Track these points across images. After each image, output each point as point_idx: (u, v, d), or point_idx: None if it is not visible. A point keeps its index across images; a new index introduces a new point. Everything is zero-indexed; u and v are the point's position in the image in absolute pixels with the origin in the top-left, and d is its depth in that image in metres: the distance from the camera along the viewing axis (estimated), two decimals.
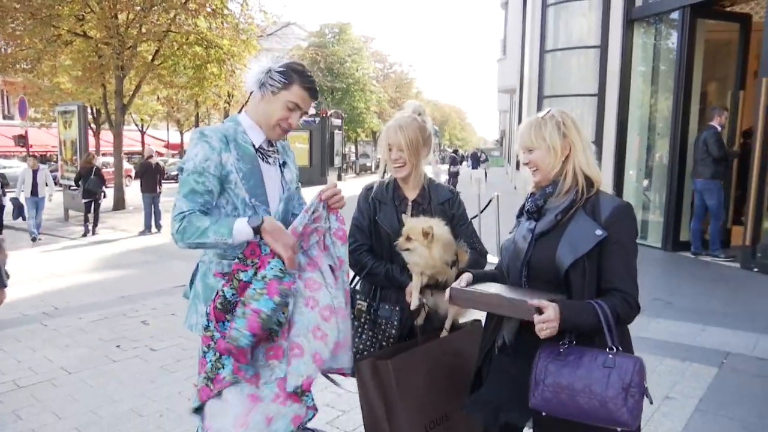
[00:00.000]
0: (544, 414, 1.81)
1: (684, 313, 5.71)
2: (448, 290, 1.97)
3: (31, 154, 12.79)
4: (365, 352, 2.44)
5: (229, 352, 1.99)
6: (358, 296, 2.52)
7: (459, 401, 2.25)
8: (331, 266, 2.20)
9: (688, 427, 3.50)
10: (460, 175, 22.86)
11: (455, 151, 26.60)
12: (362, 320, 2.48)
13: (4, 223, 11.38)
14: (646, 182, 10.24)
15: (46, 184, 12.28)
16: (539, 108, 11.36)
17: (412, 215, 2.50)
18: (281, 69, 2.14)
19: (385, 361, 2.22)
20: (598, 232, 1.84)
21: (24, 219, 12.32)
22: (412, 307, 2.37)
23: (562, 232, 1.90)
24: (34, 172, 12.00)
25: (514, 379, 1.98)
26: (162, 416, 3.74)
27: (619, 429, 1.73)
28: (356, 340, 2.46)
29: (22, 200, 12.29)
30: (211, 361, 2.05)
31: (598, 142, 10.36)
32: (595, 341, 1.81)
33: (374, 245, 2.51)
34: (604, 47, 10.24)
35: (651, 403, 1.80)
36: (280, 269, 1.99)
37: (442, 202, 2.54)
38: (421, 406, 2.28)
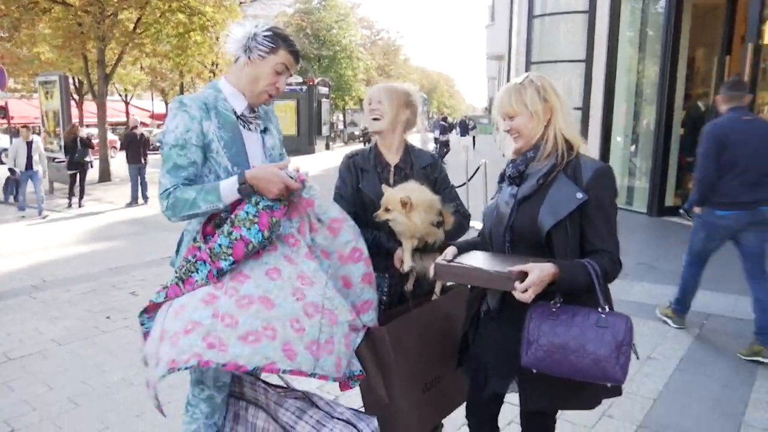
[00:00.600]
0: (534, 371, 1.85)
1: (667, 277, 5.80)
2: (432, 265, 1.99)
3: (24, 125, 12.33)
4: None
5: (207, 261, 1.99)
6: None
7: (450, 364, 2.31)
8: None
9: (668, 386, 3.61)
10: (450, 143, 22.30)
11: (444, 119, 26.05)
12: None
13: None
14: (632, 148, 10.30)
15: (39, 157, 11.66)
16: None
17: (394, 180, 2.51)
18: (267, 33, 2.11)
19: (380, 328, 2.25)
20: (579, 195, 1.86)
21: (15, 197, 12.01)
22: (405, 270, 2.39)
23: (544, 196, 1.92)
24: (28, 144, 11.22)
25: (499, 344, 2.03)
26: None
27: (609, 384, 1.79)
28: None
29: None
30: (186, 265, 2.03)
31: (586, 108, 10.38)
32: (582, 300, 1.84)
33: (359, 213, 2.51)
34: (592, 12, 10.18)
35: (638, 358, 1.85)
36: (271, 199, 1.98)
37: (424, 167, 2.55)
38: (416, 370, 2.32)
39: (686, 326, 4.53)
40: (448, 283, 2.55)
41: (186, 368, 1.82)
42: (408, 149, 2.58)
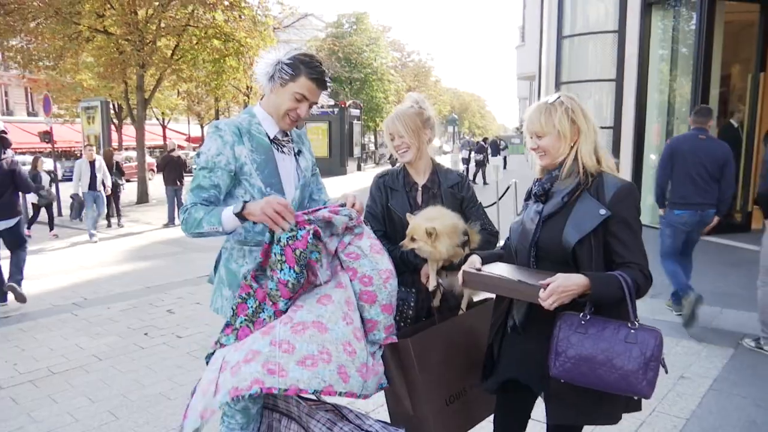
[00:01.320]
0: (561, 382, 1.89)
1: (703, 296, 5.72)
2: (460, 274, 2.05)
3: (88, 145, 12.52)
4: None
5: (268, 303, 2.10)
6: None
7: (475, 377, 2.35)
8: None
9: (702, 406, 3.56)
10: (486, 164, 21.27)
11: (485, 139, 25.47)
12: None
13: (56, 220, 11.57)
14: None
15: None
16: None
17: (422, 199, 2.59)
18: (289, 61, 2.20)
19: (405, 340, 2.31)
20: (602, 211, 1.91)
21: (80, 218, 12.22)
22: (430, 288, 2.46)
23: (569, 214, 1.97)
24: (91, 164, 11.07)
25: (525, 359, 2.07)
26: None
27: (635, 397, 1.82)
28: None
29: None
30: (252, 306, 2.12)
31: (617, 127, 10.32)
32: (612, 313, 1.87)
33: (388, 230, 2.60)
34: (621, 32, 10.17)
35: (666, 372, 1.86)
36: (290, 231, 2.03)
37: (451, 186, 2.63)
38: (440, 382, 2.37)
39: (689, 315, 4.73)
40: (474, 299, 2.60)
41: (249, 395, 1.88)
42: (435, 169, 2.67)
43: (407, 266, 2.53)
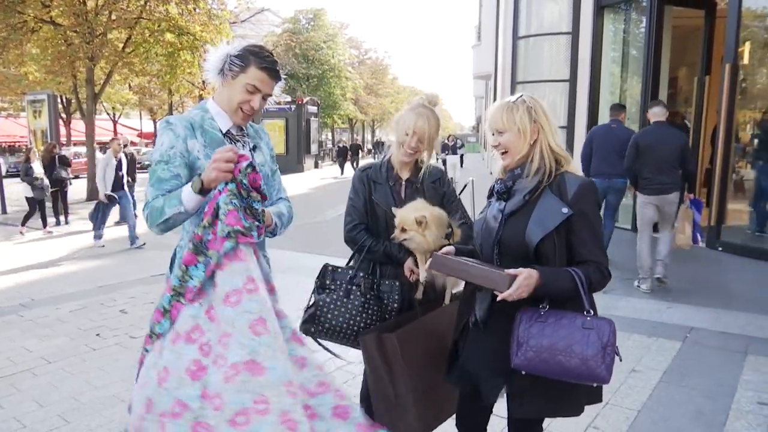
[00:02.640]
0: (524, 373, 1.93)
1: (651, 292, 5.91)
2: (430, 258, 2.10)
3: (114, 138, 11.35)
4: (371, 326, 2.55)
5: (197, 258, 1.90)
6: (361, 273, 2.60)
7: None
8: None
9: (653, 397, 3.68)
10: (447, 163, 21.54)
11: (454, 137, 25.72)
12: (368, 296, 2.58)
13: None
14: None
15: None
16: (513, 94, 11.51)
17: (406, 194, 2.63)
18: (238, 53, 2.16)
19: (390, 335, 2.34)
20: (564, 210, 1.96)
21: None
22: (421, 280, 2.51)
23: (531, 211, 2.01)
24: (119, 161, 9.91)
25: (487, 354, 2.10)
26: None
27: (595, 384, 1.89)
28: (363, 315, 2.56)
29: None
30: (177, 276, 1.94)
31: (570, 126, 10.55)
32: (568, 307, 1.94)
33: (370, 224, 2.62)
34: (575, 34, 10.40)
35: (620, 360, 1.93)
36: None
37: (433, 181, 2.67)
38: (423, 373, 2.41)
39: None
40: (454, 290, 2.64)
41: None
42: (417, 164, 2.69)
43: (391, 260, 2.56)
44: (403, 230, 2.41)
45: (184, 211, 2.02)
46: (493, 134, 2.12)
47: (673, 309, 5.39)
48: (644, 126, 9.07)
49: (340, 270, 2.63)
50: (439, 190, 2.67)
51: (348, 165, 27.41)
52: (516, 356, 1.91)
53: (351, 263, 2.68)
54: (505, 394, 2.11)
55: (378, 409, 2.49)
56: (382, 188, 2.63)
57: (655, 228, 6.36)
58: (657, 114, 6.20)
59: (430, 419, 2.50)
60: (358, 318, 2.55)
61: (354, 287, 2.57)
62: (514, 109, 2.05)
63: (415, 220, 2.38)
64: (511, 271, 1.86)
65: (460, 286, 2.65)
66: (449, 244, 2.30)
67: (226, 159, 1.92)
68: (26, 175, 11.16)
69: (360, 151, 29.31)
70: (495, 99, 19.74)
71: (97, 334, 5.13)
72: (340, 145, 29.95)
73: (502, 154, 2.10)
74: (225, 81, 2.19)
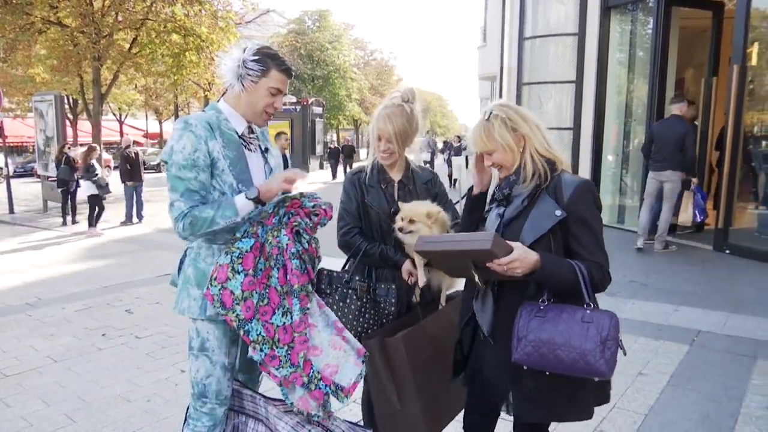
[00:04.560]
0: (525, 368, 1.92)
1: (658, 294, 5.88)
2: (417, 240, 2.09)
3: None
4: (369, 331, 2.52)
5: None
6: (357, 277, 2.58)
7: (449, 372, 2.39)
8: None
9: (660, 401, 3.66)
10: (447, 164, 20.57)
11: (459, 138, 24.04)
12: (364, 300, 2.55)
13: None
14: (623, 168, 10.43)
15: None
16: (518, 95, 11.47)
17: (399, 195, 2.60)
18: (256, 57, 2.17)
19: (395, 338, 2.32)
20: (558, 212, 1.93)
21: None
22: (420, 284, 2.46)
23: (527, 216, 2.00)
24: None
25: (496, 365, 2.09)
26: (149, 401, 3.80)
27: (596, 378, 1.85)
28: (360, 319, 2.54)
29: None
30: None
31: (576, 128, 10.52)
32: (570, 303, 1.92)
33: (364, 227, 2.59)
34: (581, 34, 10.35)
35: (624, 354, 1.90)
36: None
37: (425, 182, 2.66)
38: (429, 377, 2.40)
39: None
40: (448, 291, 2.63)
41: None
42: (409, 165, 2.68)
43: (387, 263, 2.53)
44: (411, 222, 2.38)
45: (240, 220, 2.11)
46: (484, 156, 2.10)
47: (681, 312, 5.36)
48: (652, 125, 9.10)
49: (335, 274, 2.59)
50: (431, 191, 2.66)
51: (341, 169, 24.86)
52: (516, 351, 1.90)
53: (347, 267, 2.65)
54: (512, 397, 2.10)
55: (380, 413, 2.49)
56: (375, 191, 2.60)
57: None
58: (672, 108, 7.60)
59: (435, 423, 2.48)
60: (355, 322, 2.52)
61: (350, 291, 2.54)
62: (491, 128, 2.01)
63: (426, 213, 2.35)
64: (508, 241, 1.86)
65: (456, 287, 2.65)
66: None
67: (291, 179, 2.17)
68: (87, 172, 11.26)
69: (354, 153, 25.32)
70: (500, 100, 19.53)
71: (103, 334, 5.14)
72: (332, 146, 27.48)
73: (498, 169, 2.10)
74: (245, 87, 2.19)
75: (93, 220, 11.25)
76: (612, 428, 3.33)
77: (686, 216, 7.96)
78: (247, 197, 2.11)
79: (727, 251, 7.55)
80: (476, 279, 1.97)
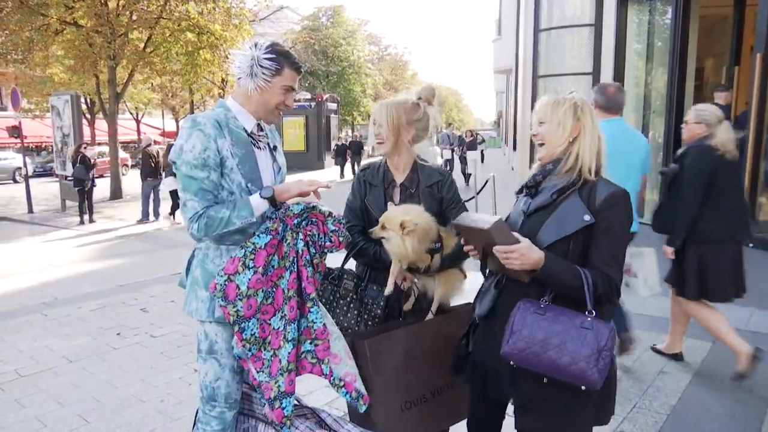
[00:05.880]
0: (512, 364, 1.87)
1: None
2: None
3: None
4: (350, 330, 2.48)
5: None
6: (346, 275, 2.55)
7: (439, 383, 2.36)
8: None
9: (682, 400, 3.56)
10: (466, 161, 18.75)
11: (474, 132, 21.59)
12: (348, 299, 2.51)
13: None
14: None
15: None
16: (534, 88, 11.34)
17: (400, 199, 2.52)
18: (270, 56, 2.12)
19: (361, 342, 2.28)
20: (586, 217, 1.87)
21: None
22: (386, 293, 2.40)
23: (553, 211, 1.94)
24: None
25: (494, 346, 2.03)
26: (163, 401, 3.78)
27: (583, 387, 1.78)
28: (348, 315, 2.51)
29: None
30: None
31: None
32: (573, 308, 1.86)
33: (366, 226, 2.53)
34: (598, 25, 10.20)
35: (614, 363, 1.88)
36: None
37: (430, 185, 2.52)
38: (398, 387, 2.33)
39: None
40: (451, 304, 2.57)
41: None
42: (416, 167, 2.56)
43: (379, 264, 2.47)
44: (383, 228, 2.31)
45: (255, 221, 2.09)
46: (536, 124, 2.08)
47: None
48: (669, 121, 8.93)
49: (329, 270, 2.55)
50: (436, 195, 2.51)
51: (348, 167, 22.89)
52: (506, 343, 1.85)
53: (343, 265, 2.61)
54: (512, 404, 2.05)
55: (354, 419, 2.44)
56: (377, 191, 2.54)
57: None
58: (716, 97, 7.34)
59: None
60: (341, 318, 2.50)
61: (336, 288, 2.52)
62: (560, 103, 2.01)
63: (400, 222, 2.25)
64: (516, 234, 1.86)
65: (451, 298, 2.57)
66: (431, 259, 2.31)
67: (308, 186, 2.14)
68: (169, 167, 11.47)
69: (362, 149, 22.96)
70: (516, 93, 19.58)
71: (118, 334, 5.14)
72: (339, 143, 25.12)
73: (540, 145, 2.06)
74: (258, 85, 2.15)
75: (173, 213, 11.74)
76: (633, 428, 3.25)
77: None
78: (262, 196, 2.08)
79: (751, 245, 7.37)
80: (487, 266, 2.00)
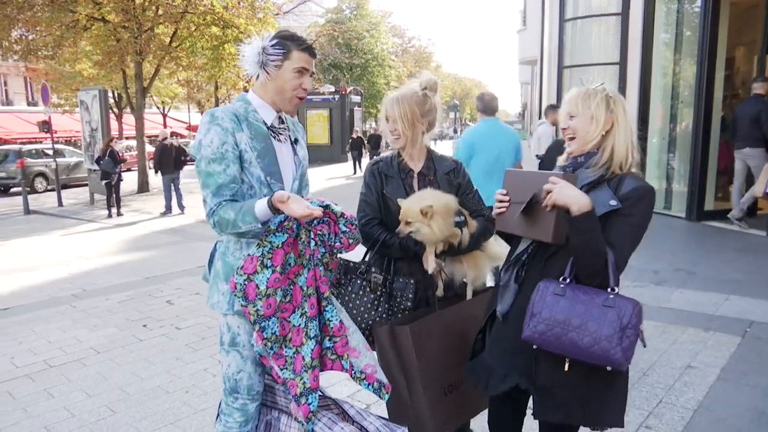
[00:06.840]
0: (535, 347, 1.85)
1: (707, 283, 5.64)
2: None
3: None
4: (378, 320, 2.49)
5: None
6: (373, 269, 2.53)
7: None
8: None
9: (710, 396, 3.49)
10: None
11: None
12: (378, 293, 2.50)
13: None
14: (670, 151, 10.06)
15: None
16: (559, 79, 11.18)
17: (418, 187, 2.52)
18: (274, 42, 2.13)
19: (403, 327, 2.28)
20: (612, 201, 1.86)
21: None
22: (430, 271, 2.40)
23: None
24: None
25: (507, 347, 2.03)
26: (188, 392, 3.84)
27: (608, 368, 1.75)
28: (372, 312, 2.50)
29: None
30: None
31: None
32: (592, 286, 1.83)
33: (384, 218, 2.53)
34: (625, 14, 10.00)
35: (645, 346, 1.83)
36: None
37: (447, 172, 2.56)
38: (438, 371, 2.33)
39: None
40: (475, 285, 2.57)
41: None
42: (430, 155, 2.60)
43: (407, 254, 2.46)
44: (407, 223, 2.31)
45: (259, 227, 2.06)
46: (567, 118, 2.05)
47: (731, 301, 5.12)
48: (698, 112, 8.74)
49: (352, 265, 2.55)
50: (453, 182, 2.56)
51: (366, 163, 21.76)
52: (527, 327, 1.83)
53: (366, 258, 2.60)
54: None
55: (391, 408, 2.45)
56: (394, 181, 2.53)
57: None
58: (755, 87, 7.79)
59: (445, 419, 2.41)
60: (366, 315, 2.48)
61: (365, 283, 2.51)
62: (593, 95, 1.97)
63: (419, 211, 2.27)
64: (554, 178, 1.83)
65: (482, 281, 2.57)
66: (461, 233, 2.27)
67: (309, 215, 1.92)
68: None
69: (380, 143, 21.93)
70: (541, 84, 19.35)
71: (144, 325, 5.23)
72: (355, 136, 23.98)
73: (570, 139, 2.02)
74: (269, 73, 2.15)
75: None
76: (659, 423, 3.20)
77: (758, 189, 7.46)
78: (267, 204, 2.00)
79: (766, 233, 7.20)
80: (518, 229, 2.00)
